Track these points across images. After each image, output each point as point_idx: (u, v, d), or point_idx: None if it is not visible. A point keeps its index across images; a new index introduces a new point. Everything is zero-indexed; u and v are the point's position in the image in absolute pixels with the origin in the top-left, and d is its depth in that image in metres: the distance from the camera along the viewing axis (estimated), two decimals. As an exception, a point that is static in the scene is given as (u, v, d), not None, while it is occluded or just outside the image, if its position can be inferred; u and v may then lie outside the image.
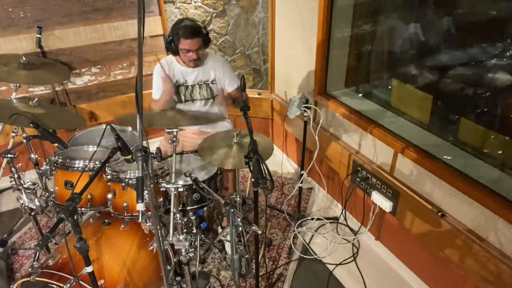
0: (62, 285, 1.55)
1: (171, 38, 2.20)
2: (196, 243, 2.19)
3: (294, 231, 2.68)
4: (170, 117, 1.98)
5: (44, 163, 1.99)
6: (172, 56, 2.37)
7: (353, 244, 2.59)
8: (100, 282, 1.63)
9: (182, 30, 2.15)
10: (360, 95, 2.57)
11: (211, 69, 2.36)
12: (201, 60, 2.31)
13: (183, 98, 2.39)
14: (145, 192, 1.24)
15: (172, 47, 2.22)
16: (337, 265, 2.43)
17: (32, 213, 2.10)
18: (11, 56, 2.67)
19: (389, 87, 2.33)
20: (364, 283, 2.32)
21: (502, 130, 1.74)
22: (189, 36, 2.14)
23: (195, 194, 2.07)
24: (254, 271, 2.16)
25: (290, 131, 3.16)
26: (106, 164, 1.67)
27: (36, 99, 2.04)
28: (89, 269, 1.45)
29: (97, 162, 1.97)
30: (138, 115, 1.21)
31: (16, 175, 2.00)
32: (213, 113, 2.48)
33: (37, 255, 2.37)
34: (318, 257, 2.49)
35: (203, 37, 2.22)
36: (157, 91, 2.41)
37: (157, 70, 2.37)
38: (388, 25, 2.32)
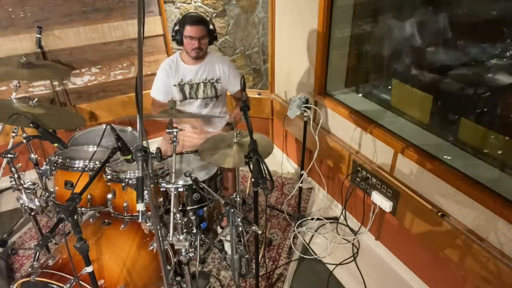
0: (62, 285, 1.54)
1: (177, 27, 2.26)
2: (196, 243, 2.19)
3: (294, 231, 2.68)
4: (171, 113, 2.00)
5: (44, 163, 1.99)
6: (177, 55, 2.41)
7: (353, 244, 2.59)
8: (100, 282, 1.63)
9: (188, 17, 2.22)
10: (360, 95, 2.57)
11: (216, 67, 2.38)
12: (203, 51, 2.31)
13: (187, 95, 2.41)
14: (145, 192, 1.24)
15: (177, 36, 2.27)
16: (337, 265, 2.43)
17: (32, 213, 2.10)
18: (11, 57, 2.68)
19: (389, 87, 2.33)
20: (364, 283, 2.32)
21: (502, 130, 1.74)
22: (194, 23, 2.20)
23: (195, 194, 2.07)
24: (254, 271, 2.16)
25: (290, 131, 3.16)
26: (106, 164, 1.67)
27: (36, 99, 2.04)
28: (89, 269, 1.45)
29: (97, 162, 1.97)
30: (138, 115, 1.21)
31: (16, 175, 2.00)
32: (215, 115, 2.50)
33: (37, 255, 2.37)
34: (318, 257, 2.49)
35: (208, 28, 2.26)
36: (156, 89, 2.43)
37: (161, 69, 2.40)
38: (388, 25, 2.32)
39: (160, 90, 2.41)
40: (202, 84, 2.38)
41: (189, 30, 2.20)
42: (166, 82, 2.39)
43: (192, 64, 2.37)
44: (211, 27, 2.29)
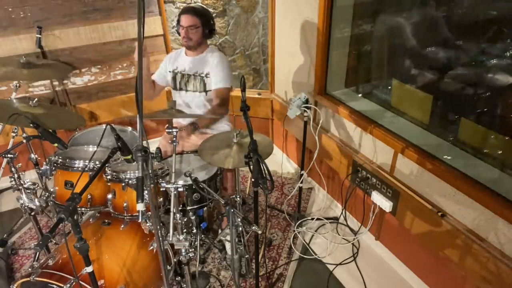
0: (62, 285, 1.54)
1: (178, 17, 2.33)
2: (196, 243, 2.19)
3: (294, 231, 2.68)
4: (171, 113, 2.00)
5: (44, 163, 1.99)
6: (184, 48, 2.48)
7: (353, 244, 2.59)
8: (100, 282, 1.63)
9: (184, 7, 2.30)
10: (360, 95, 2.57)
11: (207, 62, 2.39)
12: (192, 41, 2.32)
13: (178, 85, 2.46)
14: (145, 192, 1.24)
15: (177, 26, 2.34)
16: (337, 265, 2.43)
17: (32, 213, 2.10)
18: (11, 58, 2.67)
19: (389, 87, 2.33)
20: (364, 283, 2.32)
21: (502, 130, 1.74)
22: (185, 11, 2.26)
23: (195, 194, 2.07)
24: (254, 271, 2.16)
25: (290, 131, 3.16)
26: (106, 164, 1.67)
27: (36, 99, 2.04)
28: (89, 269, 1.45)
29: (97, 162, 1.97)
30: (138, 115, 1.21)
31: (16, 175, 2.00)
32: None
33: (37, 255, 2.37)
34: (318, 257, 2.49)
35: (202, 20, 2.28)
36: (157, 71, 2.56)
37: (167, 55, 2.56)
38: (388, 25, 2.32)
39: (159, 71, 2.55)
40: (192, 76, 2.41)
41: (181, 18, 2.27)
42: (165, 66, 2.51)
43: (189, 56, 2.43)
44: (208, 20, 2.32)
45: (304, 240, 2.62)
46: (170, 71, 2.46)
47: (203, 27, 2.30)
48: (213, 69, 2.36)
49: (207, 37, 2.38)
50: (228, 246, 2.40)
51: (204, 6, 2.43)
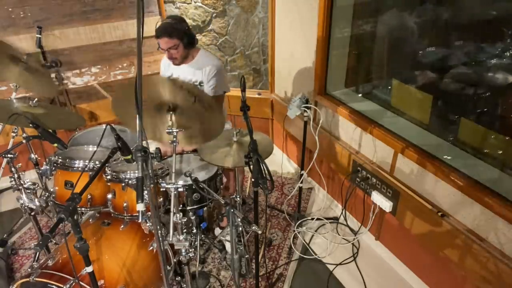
0: (61, 285, 1.54)
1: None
2: (196, 243, 2.19)
3: (294, 231, 2.68)
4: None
5: (44, 163, 1.99)
6: None
7: (353, 244, 2.59)
8: (100, 282, 1.63)
9: (156, 29, 2.18)
10: (360, 95, 2.57)
11: (200, 70, 2.33)
12: (178, 60, 2.28)
13: None
14: (145, 192, 1.24)
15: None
16: (337, 265, 2.43)
17: (32, 213, 2.10)
18: (14, 50, 2.65)
19: (389, 87, 2.33)
20: (364, 283, 2.32)
21: (502, 130, 1.74)
22: (159, 35, 2.17)
23: (195, 194, 2.07)
24: (254, 271, 2.16)
25: (290, 131, 3.16)
26: (106, 164, 1.67)
27: (36, 99, 2.04)
28: (89, 269, 1.45)
29: (97, 162, 1.97)
30: (138, 115, 1.21)
31: (16, 175, 2.00)
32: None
33: (37, 255, 2.37)
34: (318, 257, 2.49)
35: (178, 36, 2.19)
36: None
37: (161, 62, 2.51)
38: (388, 25, 2.32)
39: (162, 74, 2.54)
40: None
41: (158, 41, 2.20)
42: (163, 71, 2.50)
43: (182, 63, 2.38)
44: (184, 32, 2.20)
45: (304, 240, 2.62)
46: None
47: (182, 42, 2.21)
48: (206, 78, 2.33)
49: (190, 47, 2.29)
50: (228, 246, 2.40)
51: (177, 16, 2.33)
